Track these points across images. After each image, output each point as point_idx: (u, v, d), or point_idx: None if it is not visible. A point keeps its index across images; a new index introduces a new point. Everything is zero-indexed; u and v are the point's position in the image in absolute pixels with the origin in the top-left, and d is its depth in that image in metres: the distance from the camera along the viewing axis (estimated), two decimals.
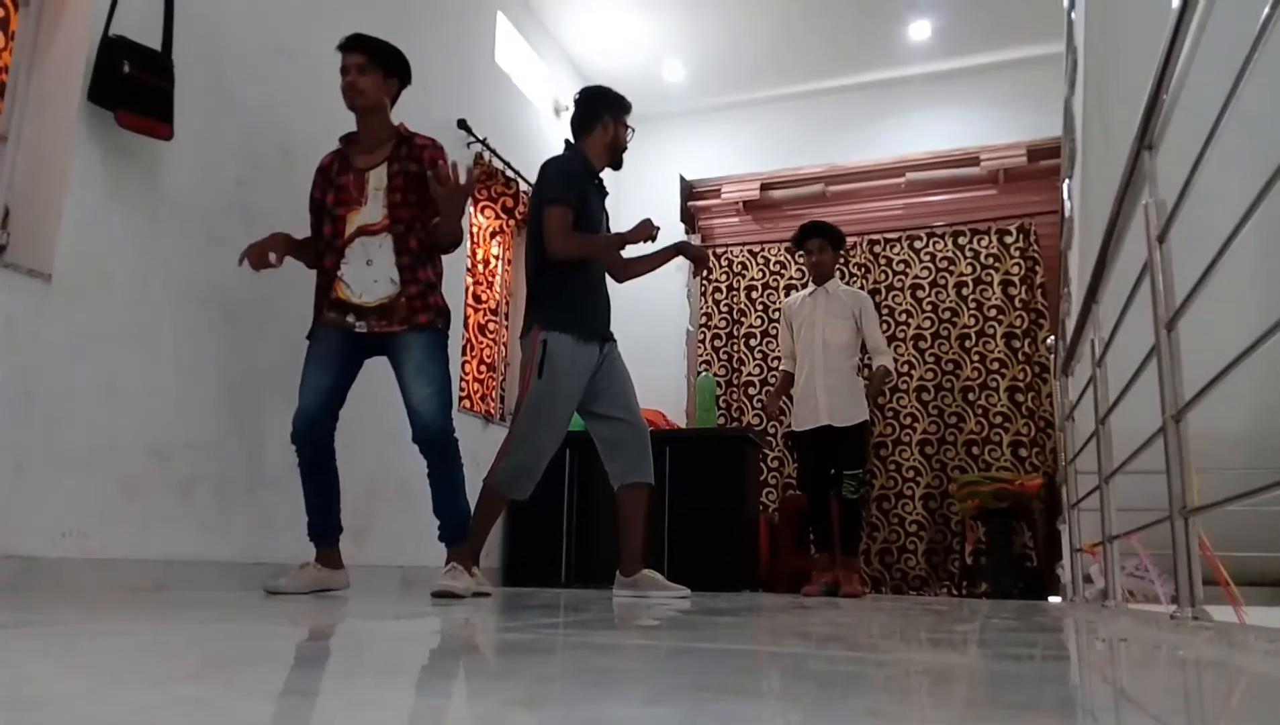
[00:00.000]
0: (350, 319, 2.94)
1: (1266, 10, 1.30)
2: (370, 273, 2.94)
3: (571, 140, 3.56)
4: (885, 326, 5.96)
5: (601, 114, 3.50)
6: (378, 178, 2.99)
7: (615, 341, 3.49)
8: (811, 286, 4.79)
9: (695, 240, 6.56)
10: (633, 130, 3.62)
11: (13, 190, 2.69)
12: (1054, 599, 4.70)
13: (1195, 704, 0.98)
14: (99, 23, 2.76)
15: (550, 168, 3.42)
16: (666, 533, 4.84)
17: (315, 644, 1.43)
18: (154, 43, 2.89)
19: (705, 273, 6.35)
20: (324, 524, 2.95)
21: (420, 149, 3.02)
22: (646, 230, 3.39)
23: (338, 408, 2.94)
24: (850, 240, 6.11)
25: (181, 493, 2.99)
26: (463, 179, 2.89)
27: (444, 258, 3.09)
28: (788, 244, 5.20)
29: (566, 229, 3.28)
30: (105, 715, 0.69)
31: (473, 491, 3.15)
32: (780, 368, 4.90)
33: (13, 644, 1.24)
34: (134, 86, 2.76)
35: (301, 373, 2.93)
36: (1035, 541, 5.14)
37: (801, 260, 5.19)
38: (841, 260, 6.07)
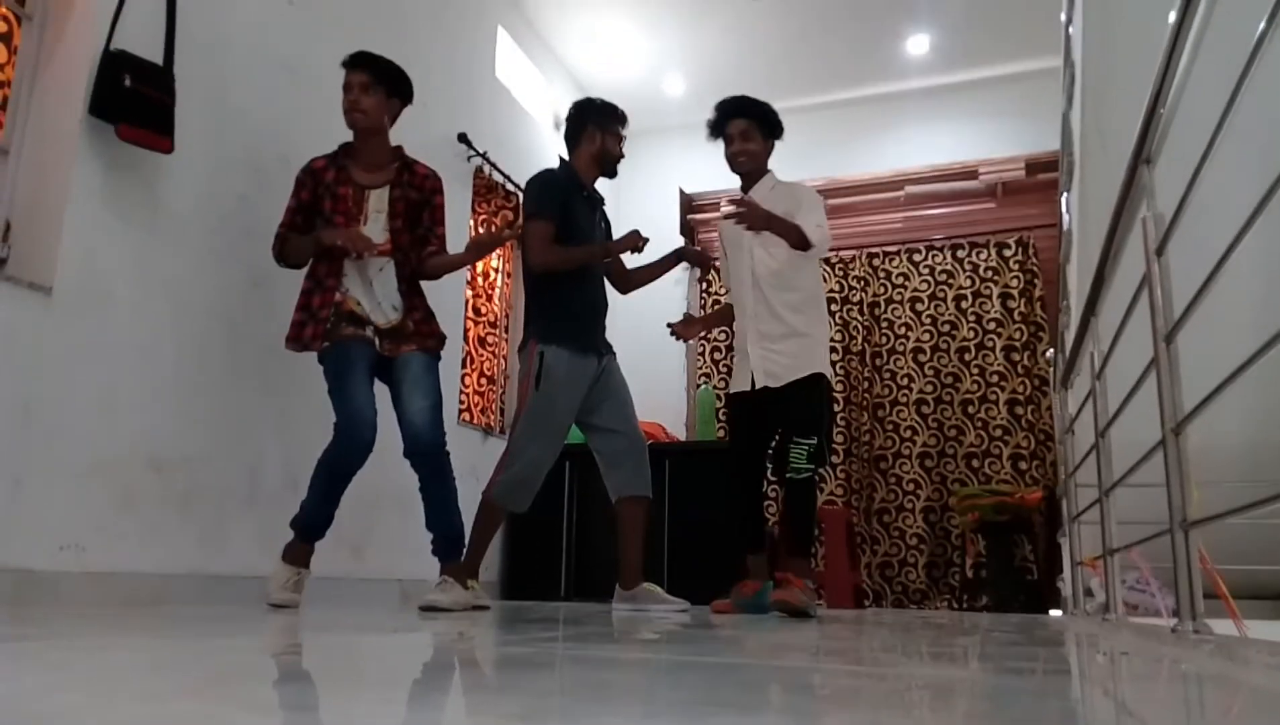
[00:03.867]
0: (369, 332, 2.95)
1: (1262, 25, 1.30)
2: (373, 295, 2.96)
3: (565, 155, 3.59)
4: (885, 339, 5.97)
5: (586, 125, 3.52)
6: (378, 199, 3.00)
7: (614, 354, 3.50)
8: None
9: (696, 248, 6.56)
10: (623, 138, 3.60)
11: (14, 203, 2.70)
12: (1055, 612, 4.69)
13: (1197, 718, 0.98)
14: (101, 37, 2.77)
15: (531, 183, 3.45)
16: (666, 546, 4.83)
17: (313, 658, 1.42)
18: (155, 57, 2.90)
19: (708, 276, 6.35)
20: (326, 524, 2.91)
21: (422, 178, 3.07)
22: (633, 241, 3.41)
23: None
24: (849, 253, 6.14)
25: (180, 506, 2.98)
26: (505, 233, 3.15)
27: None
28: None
29: (544, 242, 3.30)
30: None
31: (471, 505, 3.14)
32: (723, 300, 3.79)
33: (10, 658, 1.23)
34: (135, 100, 2.77)
35: (341, 384, 2.84)
36: (1036, 555, 5.13)
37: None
38: (841, 272, 6.09)
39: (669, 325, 3.70)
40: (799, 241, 3.26)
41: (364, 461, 2.85)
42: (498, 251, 5.57)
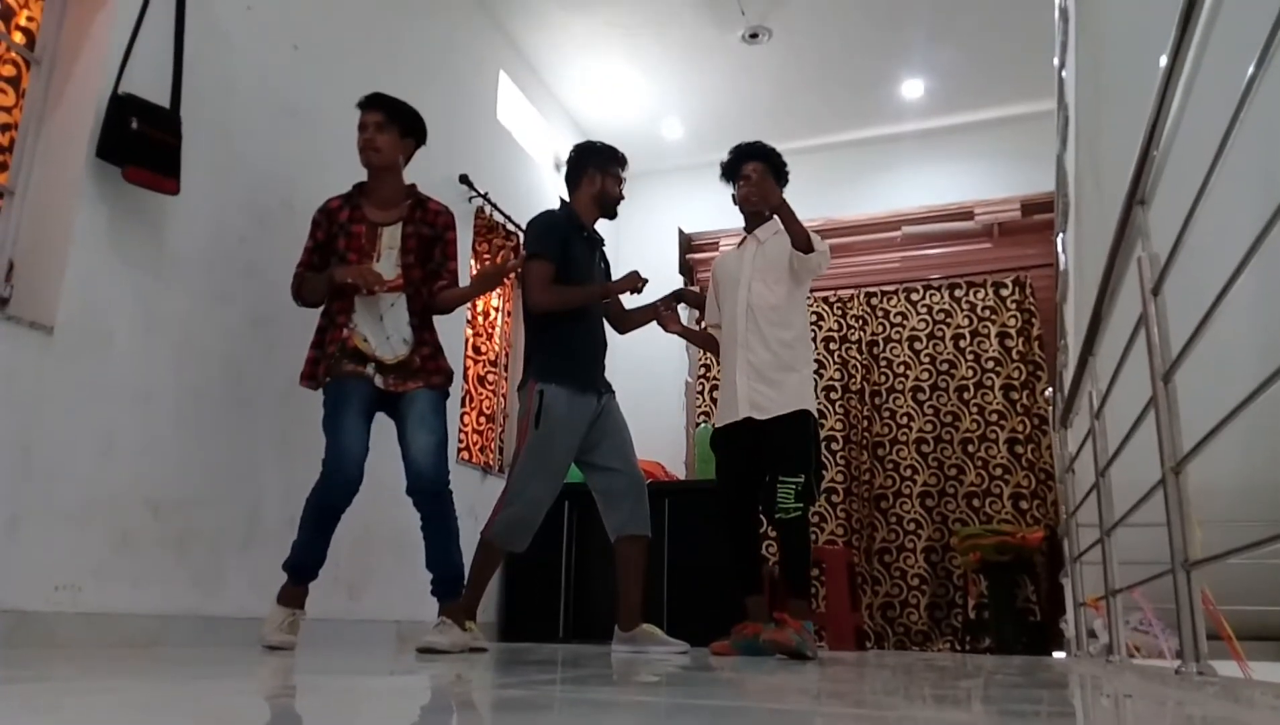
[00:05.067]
0: (370, 370, 2.95)
1: (1252, 69, 1.32)
2: (383, 330, 2.98)
3: (566, 196, 3.63)
4: (884, 378, 5.97)
5: (586, 167, 3.58)
6: (391, 236, 3.04)
7: (613, 393, 3.50)
8: (742, 234, 3.71)
9: (695, 290, 6.60)
10: (623, 180, 3.65)
11: (18, 243, 2.71)
12: (1058, 654, 4.64)
13: None
14: (108, 80, 2.81)
15: (532, 224, 3.49)
16: (666, 586, 4.79)
17: (309, 702, 1.41)
18: (161, 99, 2.94)
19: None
20: (318, 565, 2.90)
21: (435, 215, 3.11)
22: (632, 281, 3.43)
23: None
24: (847, 292, 6.17)
25: (177, 548, 2.96)
26: (510, 263, 3.27)
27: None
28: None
29: (544, 283, 3.33)
30: None
31: (470, 544, 3.13)
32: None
33: (2, 701, 1.22)
34: (142, 142, 2.80)
35: (333, 421, 2.87)
36: (1038, 595, 5.09)
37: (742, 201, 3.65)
38: (839, 311, 6.11)
39: (658, 305, 3.69)
40: (804, 241, 3.31)
41: (349, 499, 2.84)
42: (498, 291, 5.60)
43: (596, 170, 3.56)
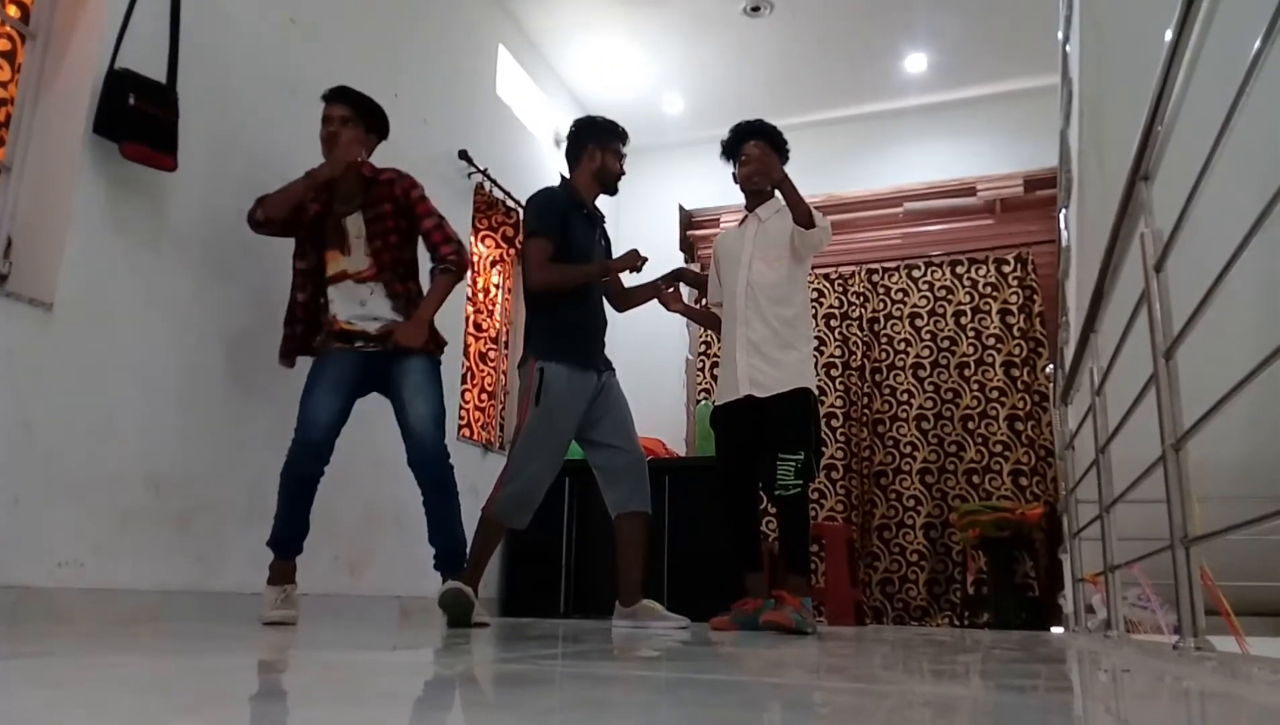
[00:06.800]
0: (359, 344, 2.98)
1: (1258, 42, 1.31)
2: (366, 312, 3.01)
3: (566, 172, 3.61)
4: (884, 355, 5.97)
5: (586, 143, 3.54)
6: (355, 226, 3.05)
7: (613, 370, 3.50)
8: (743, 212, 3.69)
9: (695, 268, 6.59)
10: (624, 156, 3.61)
11: (15, 220, 2.70)
12: (1057, 629, 4.67)
13: None
14: (104, 55, 2.79)
15: (531, 202, 3.47)
16: (666, 562, 4.81)
17: (312, 676, 1.41)
18: (157, 74, 2.92)
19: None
20: (299, 537, 2.91)
21: (389, 185, 3.08)
22: (631, 260, 3.41)
23: (338, 434, 2.93)
24: (849, 269, 6.16)
25: (178, 524, 2.98)
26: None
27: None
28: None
29: (542, 260, 3.32)
30: None
31: (471, 521, 3.14)
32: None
33: (6, 675, 1.23)
34: (139, 118, 2.78)
35: (305, 395, 2.92)
36: (1037, 571, 5.11)
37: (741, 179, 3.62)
38: (840, 288, 6.10)
39: (658, 284, 3.70)
40: (805, 217, 3.29)
41: (318, 466, 2.87)
42: (498, 268, 5.59)
43: (597, 146, 3.53)
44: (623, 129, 3.62)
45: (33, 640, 1.87)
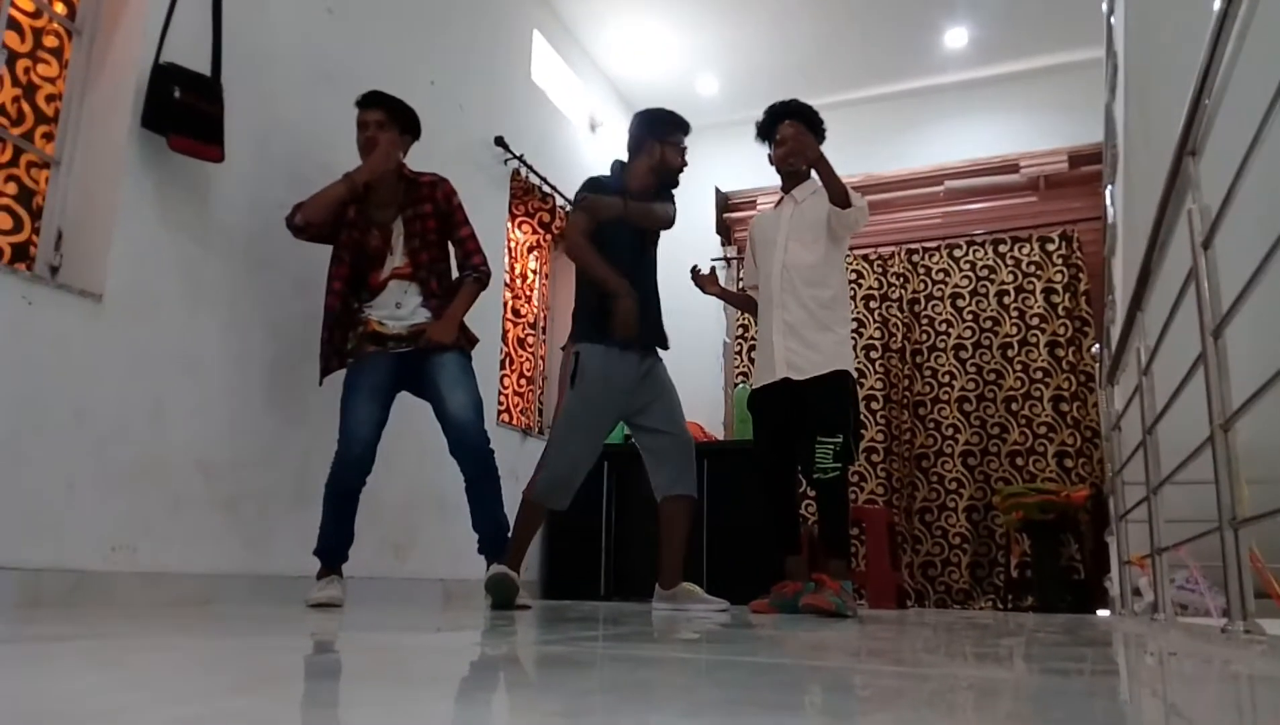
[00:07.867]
0: (390, 345, 3.01)
1: None
2: (400, 313, 3.04)
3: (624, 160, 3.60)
4: (925, 336, 5.91)
5: (646, 139, 3.52)
6: (396, 226, 3.08)
7: (659, 356, 3.47)
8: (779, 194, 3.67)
9: (731, 252, 6.57)
10: (684, 148, 3.55)
11: (65, 213, 2.77)
12: (1102, 613, 4.61)
13: (1249, 719, 0.96)
14: (148, 50, 2.84)
15: (584, 184, 3.50)
16: (705, 545, 4.82)
17: (357, 657, 1.44)
18: (201, 67, 2.96)
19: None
20: (344, 546, 2.95)
21: (431, 187, 3.12)
22: (625, 308, 3.31)
23: (379, 440, 2.96)
24: (888, 249, 6.09)
25: (227, 509, 3.04)
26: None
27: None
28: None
29: (578, 233, 3.38)
30: None
31: (511, 505, 3.17)
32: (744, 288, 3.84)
33: (63, 657, 1.27)
34: (185, 111, 2.83)
35: (344, 404, 2.94)
36: (1082, 554, 5.05)
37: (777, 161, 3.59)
38: (880, 269, 6.04)
39: (693, 270, 3.74)
40: (842, 196, 3.26)
41: (361, 479, 2.91)
42: (535, 254, 5.60)
43: (656, 140, 3.49)
44: (683, 120, 3.56)
45: (90, 623, 1.93)
